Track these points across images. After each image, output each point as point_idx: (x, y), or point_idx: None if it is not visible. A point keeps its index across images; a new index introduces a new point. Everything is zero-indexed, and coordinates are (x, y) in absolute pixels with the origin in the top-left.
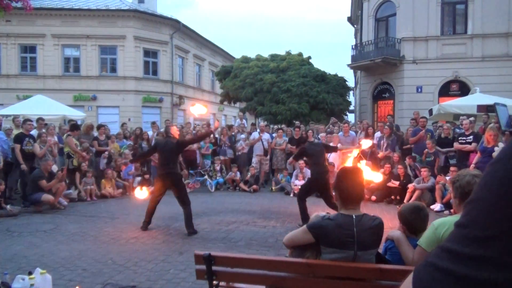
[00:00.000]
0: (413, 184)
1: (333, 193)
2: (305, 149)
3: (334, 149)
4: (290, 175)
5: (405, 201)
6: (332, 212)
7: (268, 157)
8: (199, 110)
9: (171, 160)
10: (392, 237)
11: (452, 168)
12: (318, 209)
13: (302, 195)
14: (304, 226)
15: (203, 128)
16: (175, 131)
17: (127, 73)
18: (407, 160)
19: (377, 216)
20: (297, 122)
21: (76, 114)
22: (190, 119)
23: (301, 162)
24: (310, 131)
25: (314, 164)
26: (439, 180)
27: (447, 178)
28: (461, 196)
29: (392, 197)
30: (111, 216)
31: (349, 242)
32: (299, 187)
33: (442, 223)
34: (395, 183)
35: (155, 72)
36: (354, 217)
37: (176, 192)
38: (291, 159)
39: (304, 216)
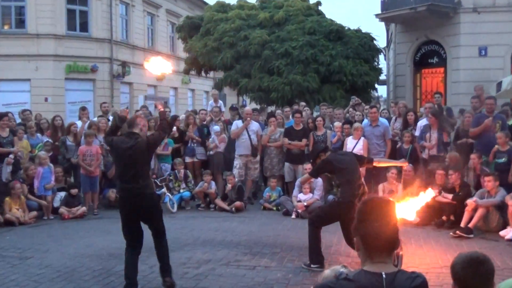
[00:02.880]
0: (474, 198)
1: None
2: (330, 162)
3: (369, 163)
4: (284, 186)
5: (462, 223)
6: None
7: (258, 158)
8: (160, 66)
9: (139, 171)
10: None
11: None
12: (338, 244)
13: (318, 222)
14: None
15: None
16: (143, 124)
17: (41, 29)
18: (473, 160)
19: (418, 273)
20: (302, 103)
21: None
22: (140, 97)
23: (307, 167)
24: (319, 119)
25: (347, 183)
26: None
27: None
28: None
29: (444, 217)
30: (21, 255)
31: None
32: (305, 204)
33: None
34: (447, 197)
35: (84, 27)
36: (383, 276)
37: (150, 220)
38: (305, 177)
39: (315, 253)
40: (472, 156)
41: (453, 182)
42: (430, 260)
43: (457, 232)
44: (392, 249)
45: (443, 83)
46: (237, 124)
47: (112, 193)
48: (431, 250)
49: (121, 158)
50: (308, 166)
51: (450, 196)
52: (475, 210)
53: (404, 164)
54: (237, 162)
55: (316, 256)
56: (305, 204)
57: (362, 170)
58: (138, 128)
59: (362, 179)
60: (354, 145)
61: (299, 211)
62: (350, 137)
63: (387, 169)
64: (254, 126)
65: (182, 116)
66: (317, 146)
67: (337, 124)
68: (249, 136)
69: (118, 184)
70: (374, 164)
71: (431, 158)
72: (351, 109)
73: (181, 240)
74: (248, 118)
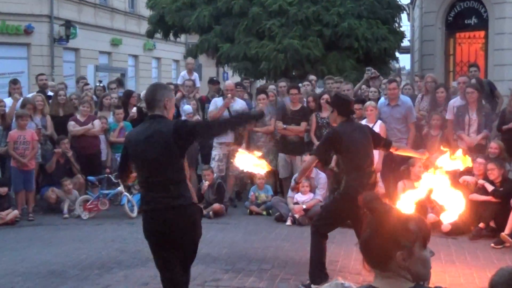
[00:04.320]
0: None
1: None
2: (338, 136)
3: (386, 146)
4: (277, 184)
5: (507, 229)
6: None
7: (243, 146)
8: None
9: (168, 176)
10: None
11: None
12: (346, 257)
13: (323, 227)
14: None
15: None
16: (171, 104)
17: None
18: None
19: None
20: (312, 77)
21: None
22: (90, 67)
23: (306, 157)
24: (325, 97)
25: (355, 169)
26: None
27: None
28: None
29: (481, 224)
30: None
31: None
32: (304, 206)
33: None
34: (487, 191)
35: None
36: None
37: (180, 246)
38: (308, 162)
39: (318, 269)
40: None
41: (494, 179)
42: (465, 280)
43: (502, 237)
44: (382, 267)
45: (483, 51)
46: (217, 102)
47: (52, 193)
48: (466, 266)
49: (139, 156)
50: (307, 157)
51: (489, 188)
52: None
53: (424, 156)
54: (216, 153)
55: (319, 274)
56: (304, 207)
57: (380, 159)
58: (162, 107)
59: (375, 165)
60: None
61: (296, 216)
62: (364, 120)
63: (410, 162)
64: (238, 104)
65: (143, 92)
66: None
67: None
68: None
69: (142, 193)
70: (391, 150)
71: (470, 149)
72: (364, 86)
73: (143, 253)
74: (229, 95)
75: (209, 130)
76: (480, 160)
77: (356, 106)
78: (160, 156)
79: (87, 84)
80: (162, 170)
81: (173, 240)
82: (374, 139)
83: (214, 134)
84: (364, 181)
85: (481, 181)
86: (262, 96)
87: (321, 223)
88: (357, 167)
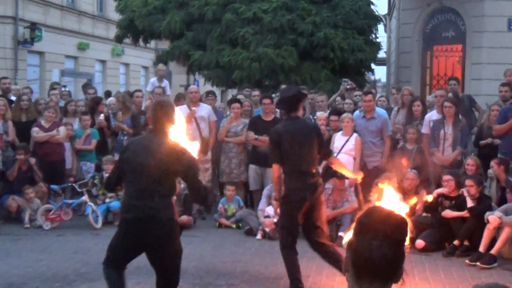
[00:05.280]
0: (498, 214)
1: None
2: (276, 132)
3: (325, 156)
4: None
5: (481, 247)
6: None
7: (209, 155)
8: None
9: (156, 187)
10: None
11: None
12: (319, 273)
13: (283, 240)
14: None
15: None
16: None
17: None
18: (494, 167)
19: None
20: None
21: None
22: (55, 72)
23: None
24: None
25: (293, 169)
26: None
27: None
28: None
29: (456, 241)
30: None
31: None
32: (274, 220)
33: None
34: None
35: None
36: None
37: (162, 257)
38: (273, 171)
39: (293, 283)
40: (494, 162)
41: (472, 195)
42: None
43: (478, 263)
44: (388, 280)
45: (460, 64)
46: (181, 111)
47: (12, 201)
48: (440, 284)
49: (133, 168)
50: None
51: (469, 203)
52: (497, 229)
53: (358, 176)
54: None
55: (296, 283)
56: (275, 220)
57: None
58: (166, 124)
59: (318, 168)
60: (344, 143)
61: (267, 229)
62: (339, 132)
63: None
64: (204, 110)
65: (110, 99)
66: (328, 171)
67: (321, 114)
68: (197, 124)
69: (125, 199)
70: (328, 162)
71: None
72: (338, 99)
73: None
74: (193, 109)
75: (194, 187)
76: (446, 177)
77: (332, 117)
78: (158, 170)
79: (54, 89)
80: (151, 183)
81: (147, 250)
82: (318, 144)
83: (194, 195)
84: (305, 183)
85: (465, 192)
86: (236, 105)
87: (283, 233)
88: (296, 168)
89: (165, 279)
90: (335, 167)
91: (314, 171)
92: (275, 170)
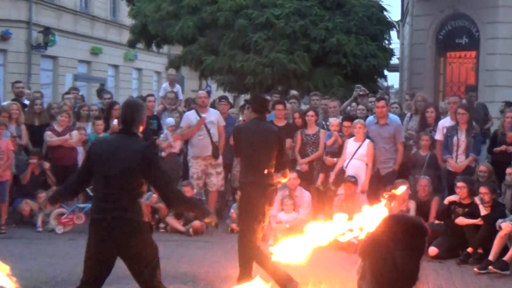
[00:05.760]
0: (508, 220)
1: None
2: (238, 130)
3: (281, 165)
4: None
5: (491, 255)
6: None
7: (220, 160)
8: None
9: (124, 190)
10: None
11: None
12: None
13: (252, 236)
14: None
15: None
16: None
17: None
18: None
19: None
20: (293, 92)
21: None
22: (68, 76)
23: (291, 176)
24: (310, 113)
25: (247, 166)
26: None
27: None
28: None
29: (470, 249)
30: None
31: None
32: (287, 226)
33: None
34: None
35: None
36: None
37: (134, 264)
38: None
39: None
40: (509, 170)
41: (487, 202)
42: None
43: (490, 267)
44: (407, 287)
45: (474, 71)
46: (189, 117)
47: (26, 205)
48: None
49: (101, 169)
50: (292, 175)
51: (482, 211)
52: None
53: (283, 179)
54: (194, 170)
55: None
56: (287, 226)
57: (366, 180)
58: (137, 126)
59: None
60: (356, 149)
61: (279, 235)
62: (352, 138)
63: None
64: (212, 115)
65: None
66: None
67: (334, 120)
68: (207, 130)
69: (94, 202)
70: (283, 172)
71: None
72: (354, 105)
73: (120, 270)
74: (204, 116)
75: (166, 190)
76: (460, 184)
77: (345, 123)
78: (123, 172)
79: (68, 93)
80: (119, 184)
81: (119, 252)
82: (278, 150)
83: (165, 197)
84: (257, 181)
85: (477, 200)
86: (249, 111)
87: (248, 232)
88: (251, 166)
89: (138, 277)
90: (284, 178)
91: (269, 171)
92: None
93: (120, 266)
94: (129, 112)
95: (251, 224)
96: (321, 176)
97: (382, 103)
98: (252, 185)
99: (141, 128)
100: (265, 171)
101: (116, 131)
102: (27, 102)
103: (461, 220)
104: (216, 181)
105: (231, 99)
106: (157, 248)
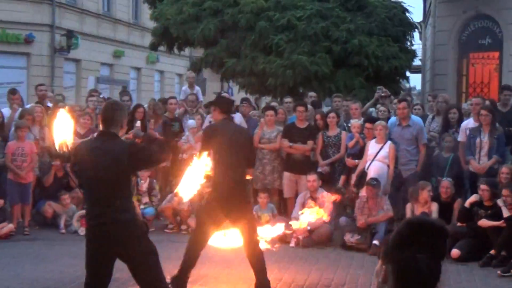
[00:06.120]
0: None
1: None
2: (214, 127)
3: (250, 163)
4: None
5: None
6: None
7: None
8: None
9: (115, 191)
10: None
11: None
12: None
13: (198, 234)
14: None
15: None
16: (125, 124)
17: None
18: None
19: None
20: (311, 94)
21: None
22: (91, 79)
23: (311, 178)
24: (331, 115)
25: (221, 165)
26: None
27: None
28: None
29: (492, 251)
30: None
31: None
32: (308, 228)
33: None
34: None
35: None
36: None
37: (135, 267)
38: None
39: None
40: None
41: (510, 204)
42: None
43: None
44: None
45: (497, 72)
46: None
47: (49, 207)
48: None
49: (88, 170)
50: (311, 177)
51: (505, 213)
52: None
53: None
54: None
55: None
56: (309, 228)
57: (388, 181)
58: (118, 126)
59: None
60: (378, 151)
61: (300, 237)
62: (373, 140)
63: (419, 185)
64: (236, 118)
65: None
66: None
67: (355, 122)
68: None
69: (88, 207)
70: (249, 169)
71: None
72: (378, 108)
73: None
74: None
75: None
76: (483, 186)
77: (367, 125)
78: (109, 174)
79: (91, 96)
80: (109, 187)
81: (118, 253)
82: (248, 148)
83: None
84: (237, 180)
85: (500, 202)
86: (270, 112)
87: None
88: (230, 165)
89: (138, 275)
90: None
91: (240, 171)
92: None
93: (123, 269)
94: (109, 113)
95: (250, 222)
96: (343, 178)
97: (403, 104)
98: (233, 183)
99: (122, 131)
100: (240, 171)
101: (138, 133)
102: (50, 104)
103: (484, 222)
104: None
105: (252, 101)
106: (156, 248)
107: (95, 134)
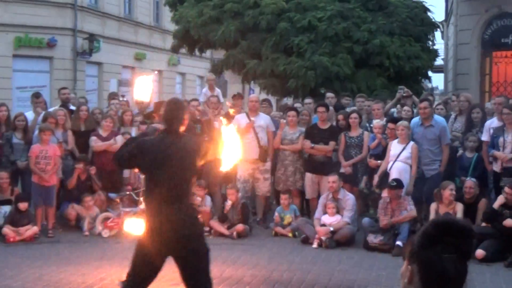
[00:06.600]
0: None
1: None
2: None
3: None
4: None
5: None
6: None
7: (268, 164)
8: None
9: (180, 187)
10: None
11: None
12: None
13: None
14: None
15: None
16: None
17: None
18: None
19: None
20: (329, 94)
21: None
22: (113, 82)
23: (331, 179)
24: (353, 115)
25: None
26: None
27: None
28: None
29: None
30: None
31: None
32: (331, 229)
33: None
34: None
35: None
36: None
37: (188, 265)
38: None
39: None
40: None
41: None
42: None
43: None
44: None
45: None
46: (239, 120)
47: (72, 210)
48: None
49: (154, 165)
50: (332, 178)
51: None
52: None
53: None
54: (240, 173)
55: None
56: (331, 229)
57: (411, 181)
58: (180, 124)
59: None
60: (400, 151)
61: (323, 238)
62: (395, 140)
63: (442, 185)
64: (262, 119)
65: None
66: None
67: (377, 123)
68: (255, 133)
69: (147, 203)
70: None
71: (506, 172)
72: (399, 107)
73: (166, 271)
74: (252, 119)
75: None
76: (508, 190)
77: (390, 125)
78: (184, 171)
79: (113, 98)
80: (183, 183)
81: (176, 251)
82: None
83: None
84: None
85: None
86: (292, 113)
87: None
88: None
89: (187, 273)
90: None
91: (189, 199)
92: None
93: (163, 269)
94: (174, 112)
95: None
96: (365, 178)
97: (424, 104)
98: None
99: (182, 128)
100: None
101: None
102: (73, 108)
103: (509, 222)
104: (263, 186)
105: (273, 103)
106: (209, 251)
107: (155, 133)
